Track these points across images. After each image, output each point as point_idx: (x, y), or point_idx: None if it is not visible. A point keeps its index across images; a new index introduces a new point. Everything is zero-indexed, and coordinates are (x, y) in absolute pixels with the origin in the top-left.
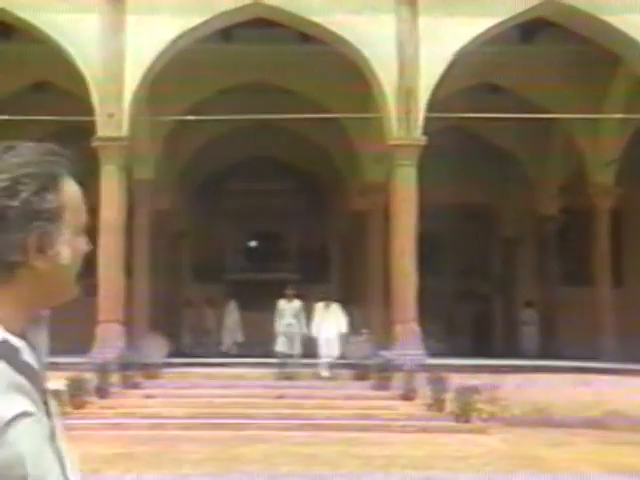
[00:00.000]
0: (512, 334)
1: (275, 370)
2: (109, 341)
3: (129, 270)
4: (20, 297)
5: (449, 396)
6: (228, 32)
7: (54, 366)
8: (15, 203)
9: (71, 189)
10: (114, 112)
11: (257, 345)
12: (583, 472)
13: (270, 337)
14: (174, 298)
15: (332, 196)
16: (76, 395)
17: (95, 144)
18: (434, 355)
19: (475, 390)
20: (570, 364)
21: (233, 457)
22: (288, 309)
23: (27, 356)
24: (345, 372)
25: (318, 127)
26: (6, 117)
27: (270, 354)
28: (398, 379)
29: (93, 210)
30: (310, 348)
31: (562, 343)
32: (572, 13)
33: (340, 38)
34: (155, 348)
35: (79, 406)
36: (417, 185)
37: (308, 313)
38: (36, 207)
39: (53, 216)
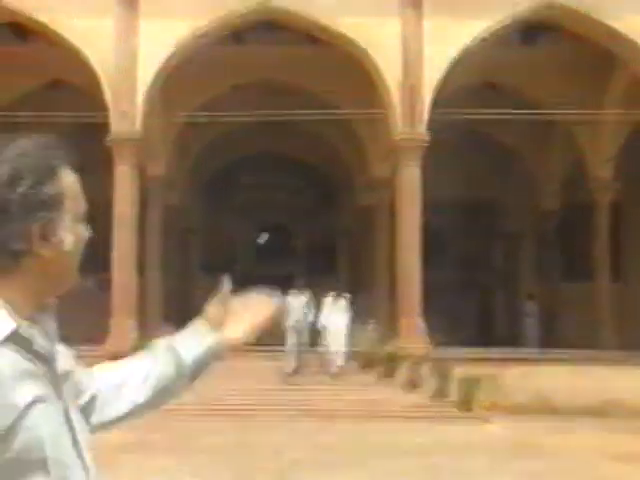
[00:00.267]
0: (514, 325)
1: (284, 363)
2: (122, 333)
3: (142, 265)
4: (27, 285)
5: (453, 386)
6: (239, 34)
7: None
8: (16, 194)
9: (69, 179)
10: (127, 111)
11: (270, 336)
12: (584, 458)
13: (279, 328)
14: (185, 291)
15: (339, 192)
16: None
17: (109, 142)
18: (438, 346)
19: (478, 380)
20: (570, 354)
21: (243, 445)
22: (296, 303)
23: (39, 342)
24: (352, 362)
25: (326, 124)
26: (23, 115)
27: (281, 344)
28: (403, 369)
29: (107, 206)
30: (318, 340)
31: (563, 334)
32: (572, 15)
33: (347, 39)
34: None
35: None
36: (421, 180)
37: (316, 306)
38: (37, 197)
39: (54, 205)
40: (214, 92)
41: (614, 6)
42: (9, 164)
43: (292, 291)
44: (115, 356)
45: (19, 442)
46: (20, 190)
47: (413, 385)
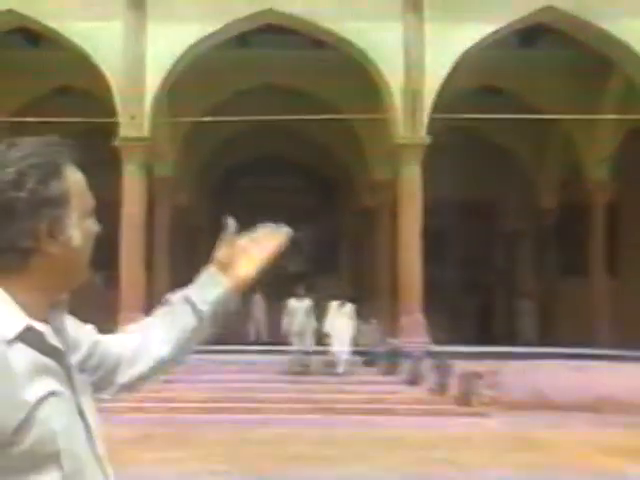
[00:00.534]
0: (513, 323)
1: (289, 366)
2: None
3: (150, 263)
4: (38, 283)
5: (453, 381)
6: (244, 38)
7: None
8: (22, 194)
9: (74, 175)
10: (135, 114)
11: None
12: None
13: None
14: None
15: (342, 193)
16: None
17: (117, 144)
18: (439, 343)
19: (477, 376)
20: (567, 351)
21: (246, 439)
22: (299, 308)
23: (52, 339)
24: (355, 359)
25: (329, 128)
26: (33, 119)
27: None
28: (405, 365)
29: (115, 206)
30: (323, 344)
31: (560, 331)
32: (569, 19)
33: (350, 43)
34: None
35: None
36: (422, 182)
37: (320, 309)
38: (42, 195)
39: (60, 202)
40: (220, 95)
41: (610, 11)
42: (14, 165)
43: (295, 296)
44: None
45: (33, 436)
46: (26, 189)
47: (414, 381)
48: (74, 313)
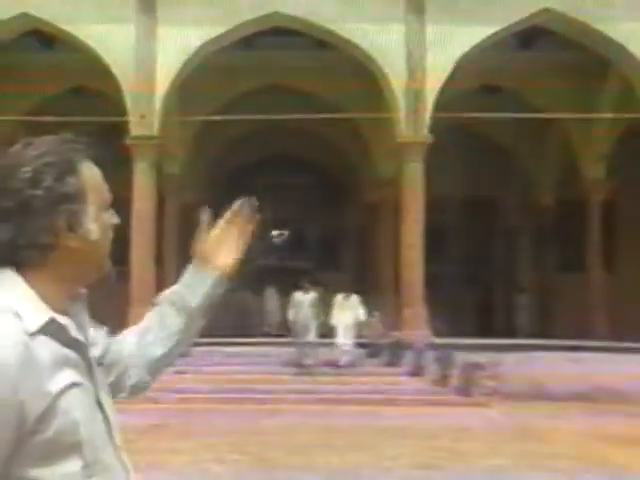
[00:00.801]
0: (511, 317)
1: (293, 359)
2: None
3: (159, 258)
4: (58, 276)
5: (454, 372)
6: (250, 40)
7: None
8: (39, 191)
9: (90, 171)
10: (146, 113)
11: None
12: (576, 441)
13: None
14: None
15: (346, 190)
16: None
17: (128, 143)
18: (440, 335)
19: (478, 367)
20: (565, 343)
21: (256, 428)
22: (305, 301)
23: (74, 331)
24: (359, 351)
25: (333, 126)
26: (47, 119)
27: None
28: (407, 357)
29: (126, 203)
30: (328, 335)
31: (558, 324)
32: (566, 22)
33: (353, 45)
34: None
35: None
36: (424, 180)
37: (325, 302)
38: (59, 192)
39: (77, 197)
40: (228, 95)
41: (606, 13)
42: (30, 164)
43: (300, 289)
44: None
45: (55, 425)
46: (42, 187)
47: (417, 372)
48: (88, 308)
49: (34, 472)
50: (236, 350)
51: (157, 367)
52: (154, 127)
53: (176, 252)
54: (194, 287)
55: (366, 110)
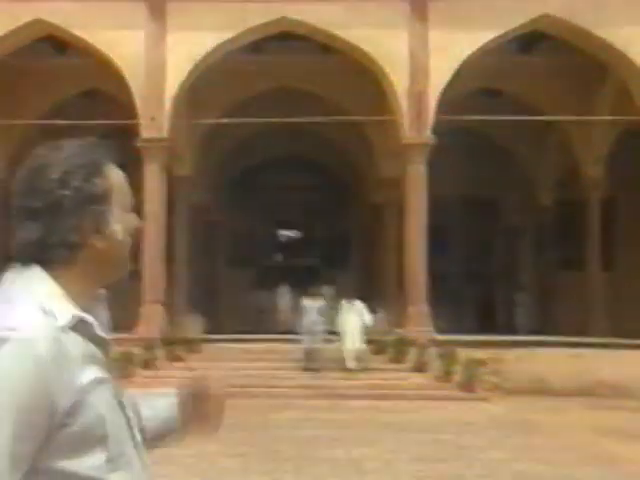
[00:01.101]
0: (512, 314)
1: (301, 364)
2: (153, 319)
3: (170, 256)
4: (83, 275)
5: (457, 368)
6: (258, 44)
7: None
8: (68, 192)
9: (115, 173)
10: (156, 116)
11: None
12: (576, 434)
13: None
14: (210, 282)
15: (352, 191)
16: (125, 367)
17: (139, 145)
18: (443, 332)
19: (480, 363)
20: (565, 339)
21: (264, 422)
22: (312, 307)
23: (97, 329)
24: (365, 347)
25: (339, 128)
26: (61, 121)
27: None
28: (411, 353)
29: (137, 204)
30: (334, 342)
31: (557, 321)
32: (566, 27)
33: (358, 49)
34: (193, 325)
35: (127, 377)
36: (427, 180)
37: (332, 309)
38: (87, 193)
39: (104, 198)
40: (236, 98)
41: (603, 19)
42: (59, 166)
43: (308, 294)
44: (147, 343)
45: (83, 419)
46: (72, 187)
47: (420, 368)
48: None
49: (61, 464)
50: (245, 346)
51: None
52: (164, 129)
53: (186, 251)
54: (163, 425)
55: (371, 113)
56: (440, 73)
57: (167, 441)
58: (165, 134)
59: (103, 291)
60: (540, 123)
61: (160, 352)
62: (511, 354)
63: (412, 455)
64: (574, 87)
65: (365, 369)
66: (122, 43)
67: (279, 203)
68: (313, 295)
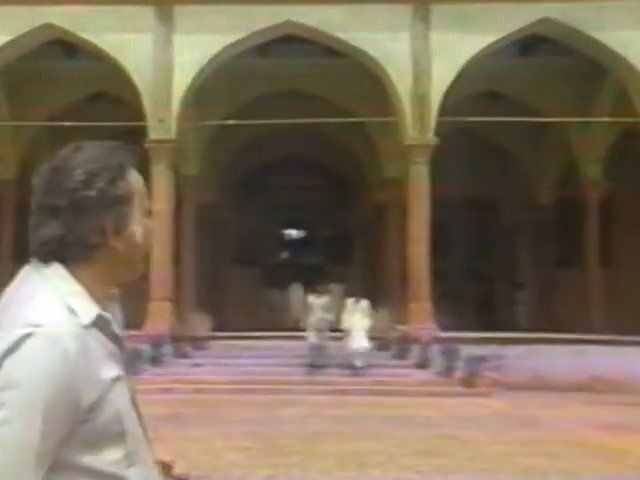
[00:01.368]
0: (512, 311)
1: (307, 361)
2: (161, 316)
3: (177, 255)
4: (100, 273)
5: (458, 365)
6: (264, 47)
7: None
8: (92, 192)
9: (136, 177)
10: (164, 117)
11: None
12: (575, 428)
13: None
14: (217, 280)
15: (355, 190)
16: (133, 364)
17: (147, 146)
18: (445, 329)
19: (481, 359)
20: (564, 336)
21: (269, 417)
22: (318, 304)
23: (115, 327)
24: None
25: (343, 129)
26: (70, 123)
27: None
28: (414, 350)
29: None
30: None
31: (556, 318)
32: (565, 30)
33: (362, 52)
34: (200, 323)
35: (136, 373)
36: (429, 180)
37: (337, 307)
38: (111, 194)
39: (126, 200)
40: (242, 100)
41: (601, 22)
42: (83, 167)
43: (313, 292)
44: (154, 339)
45: (104, 414)
46: (96, 189)
47: (423, 364)
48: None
49: (81, 459)
50: (251, 343)
51: None
52: (172, 130)
53: (193, 250)
54: None
55: (374, 114)
56: (442, 75)
57: None
58: (172, 135)
59: (116, 290)
60: (540, 124)
61: (168, 349)
62: (511, 350)
63: (415, 449)
64: (573, 89)
65: (369, 367)
66: (130, 46)
67: (285, 202)
68: (319, 292)
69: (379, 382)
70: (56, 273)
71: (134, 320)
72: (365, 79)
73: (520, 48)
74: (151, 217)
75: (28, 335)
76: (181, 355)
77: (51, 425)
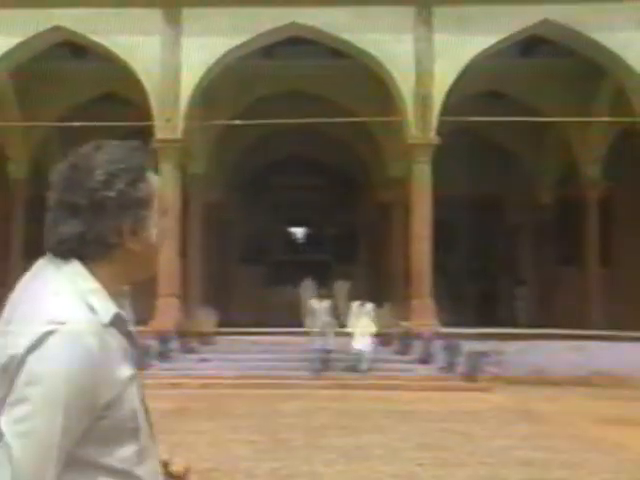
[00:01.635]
0: (513, 307)
1: (312, 365)
2: (168, 312)
3: (184, 252)
4: (114, 272)
5: (460, 360)
6: (269, 49)
7: None
8: (112, 194)
9: (154, 178)
10: (171, 117)
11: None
12: (575, 422)
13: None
14: (223, 277)
15: (360, 189)
16: (142, 359)
17: (154, 145)
18: (447, 325)
19: (482, 355)
20: (564, 332)
21: (274, 411)
22: (321, 308)
23: (130, 325)
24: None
25: (347, 129)
26: (79, 123)
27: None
28: (416, 346)
29: None
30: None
31: (556, 315)
32: (565, 31)
33: (366, 53)
34: (207, 318)
35: (144, 369)
36: (432, 179)
37: (341, 309)
38: (131, 196)
39: (145, 203)
40: (248, 100)
41: (601, 23)
42: (103, 167)
43: (317, 296)
44: (162, 335)
45: (120, 411)
46: (116, 190)
47: (425, 360)
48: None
49: (95, 455)
50: (257, 339)
51: None
52: (178, 130)
53: (200, 248)
54: None
55: (378, 114)
56: (444, 76)
57: None
58: (179, 135)
59: (127, 288)
60: (540, 124)
61: (175, 344)
62: (512, 346)
63: (418, 443)
64: (573, 89)
65: (374, 370)
66: (139, 48)
67: (290, 201)
68: (321, 297)
69: (382, 377)
70: (75, 270)
71: (142, 316)
72: (369, 80)
73: (521, 49)
74: (167, 216)
75: (51, 332)
76: (188, 350)
77: (71, 421)
